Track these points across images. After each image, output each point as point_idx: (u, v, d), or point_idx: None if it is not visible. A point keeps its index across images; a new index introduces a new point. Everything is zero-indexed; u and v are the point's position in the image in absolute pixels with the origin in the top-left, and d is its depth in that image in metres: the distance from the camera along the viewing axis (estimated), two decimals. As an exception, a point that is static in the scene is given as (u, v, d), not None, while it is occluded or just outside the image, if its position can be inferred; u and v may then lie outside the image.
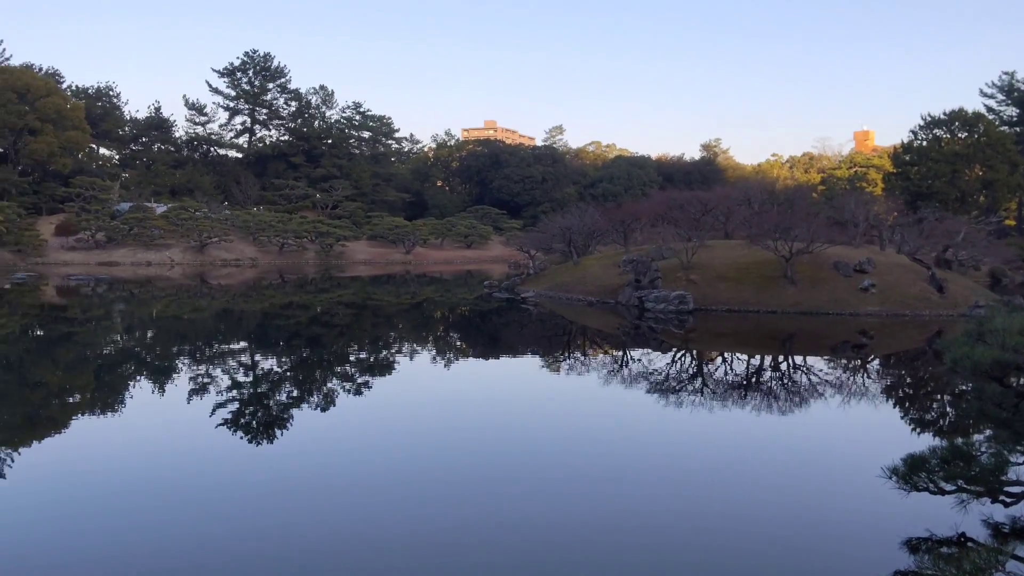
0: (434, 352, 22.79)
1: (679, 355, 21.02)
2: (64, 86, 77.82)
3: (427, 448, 11.67)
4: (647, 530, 8.34)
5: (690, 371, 18.78)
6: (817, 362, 20.37)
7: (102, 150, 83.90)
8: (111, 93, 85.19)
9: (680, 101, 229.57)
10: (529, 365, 20.72)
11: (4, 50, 77.53)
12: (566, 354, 21.90)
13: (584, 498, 9.34)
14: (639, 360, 19.85)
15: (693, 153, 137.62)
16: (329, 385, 17.08)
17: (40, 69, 76.04)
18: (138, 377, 18.13)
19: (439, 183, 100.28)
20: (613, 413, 14.34)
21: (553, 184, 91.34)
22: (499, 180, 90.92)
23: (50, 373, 18.52)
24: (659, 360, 19.97)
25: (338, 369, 19.35)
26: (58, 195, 67.04)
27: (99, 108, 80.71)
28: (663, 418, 13.69)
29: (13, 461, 10.88)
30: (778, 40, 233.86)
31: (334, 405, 14.79)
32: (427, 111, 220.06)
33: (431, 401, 15.46)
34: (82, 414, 14.40)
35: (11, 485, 9.78)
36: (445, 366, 20.15)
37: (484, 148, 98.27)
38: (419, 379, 18.03)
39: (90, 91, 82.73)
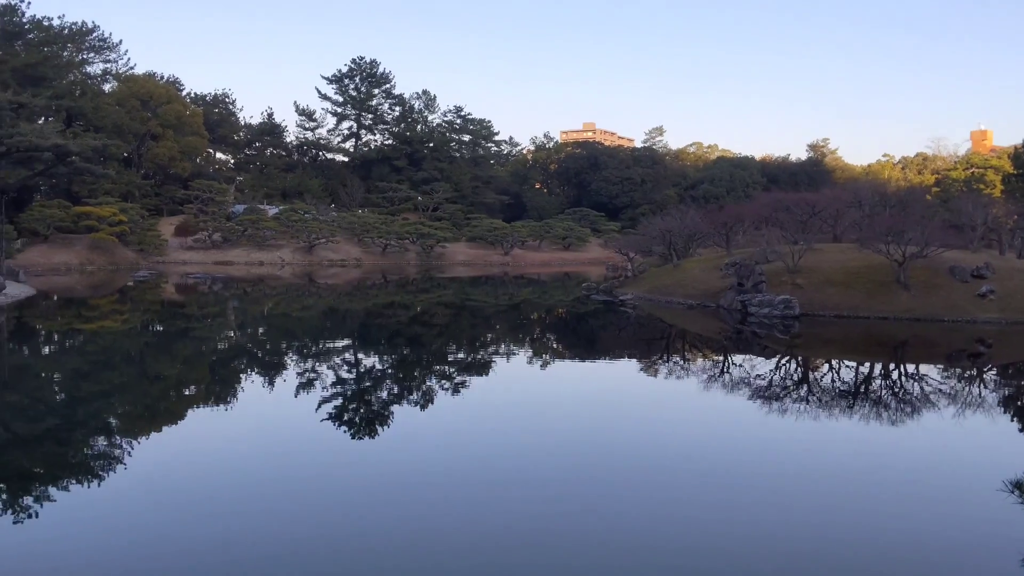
0: (530, 353, 22.89)
1: (784, 361, 20.43)
2: (183, 93, 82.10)
3: (515, 448, 11.73)
4: (748, 540, 8.14)
5: (795, 378, 18.22)
6: (931, 371, 19.42)
7: (218, 154, 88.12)
8: (227, 100, 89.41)
9: (786, 100, 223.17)
10: (626, 369, 20.55)
11: (129, 59, 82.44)
12: (664, 358, 21.61)
13: (676, 504, 9.20)
14: (741, 365, 19.40)
15: (799, 153, 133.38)
16: (428, 384, 17.39)
17: (161, 77, 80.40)
18: (250, 372, 18.94)
19: (537, 185, 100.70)
20: (712, 419, 14.06)
21: (652, 186, 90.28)
22: (597, 182, 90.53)
23: (168, 367, 19.57)
24: (762, 366, 19.46)
25: (436, 368, 19.68)
26: (178, 197, 70.74)
27: (216, 114, 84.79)
28: (765, 426, 13.32)
29: (132, 450, 11.54)
30: (890, 36, 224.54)
31: (432, 403, 15.06)
32: (526, 114, 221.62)
33: (526, 402, 15.54)
34: (197, 406, 15.15)
35: (131, 472, 10.39)
36: (541, 368, 20.21)
37: (582, 150, 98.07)
38: (515, 380, 18.13)
39: (208, 98, 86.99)
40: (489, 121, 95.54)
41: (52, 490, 9.41)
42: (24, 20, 67.10)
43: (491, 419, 13.87)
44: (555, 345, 25.29)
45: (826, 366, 20.08)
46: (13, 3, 66.37)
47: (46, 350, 22.46)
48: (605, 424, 13.51)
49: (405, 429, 12.91)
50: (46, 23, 68.46)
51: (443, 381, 17.59)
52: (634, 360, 21.87)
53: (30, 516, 8.51)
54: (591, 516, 8.69)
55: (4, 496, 9.24)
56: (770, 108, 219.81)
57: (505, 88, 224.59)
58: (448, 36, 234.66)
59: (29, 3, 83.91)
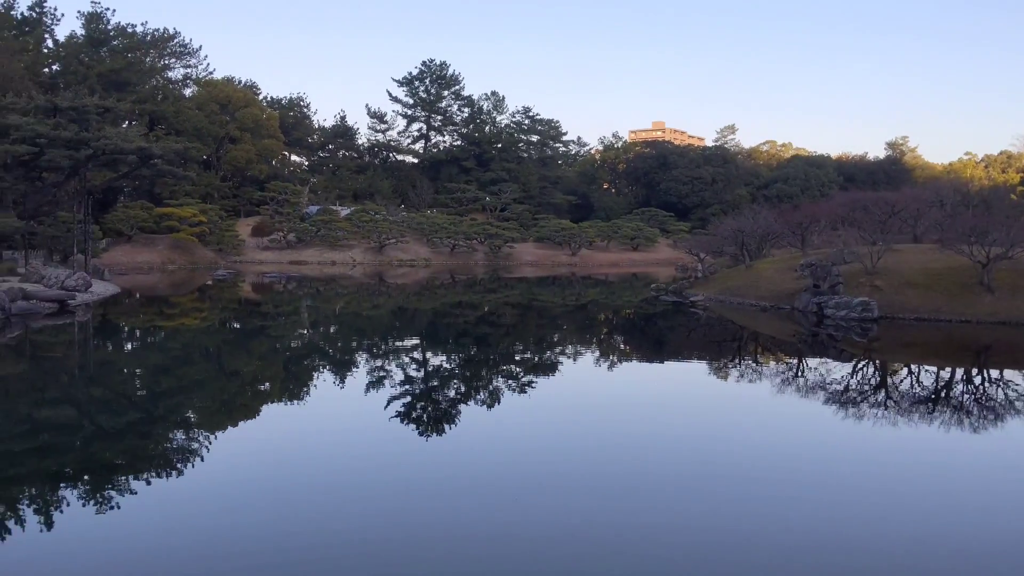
0: (597, 354, 22.73)
1: (861, 365, 19.81)
2: (260, 97, 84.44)
3: (579, 451, 11.64)
4: (819, 550, 7.90)
5: (872, 382, 17.65)
6: (1016, 376, 18.56)
7: (293, 157, 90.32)
8: (302, 104, 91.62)
9: (863, 97, 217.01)
10: (696, 371, 20.22)
11: (208, 64, 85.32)
12: (736, 360, 21.20)
13: (750, 517, 8.98)
14: (815, 369, 18.89)
15: (877, 152, 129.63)
16: (494, 383, 17.43)
17: (239, 82, 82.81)
18: (321, 369, 19.31)
19: (605, 185, 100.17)
20: (783, 425, 13.71)
21: (723, 185, 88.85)
22: (667, 182, 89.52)
23: (244, 363, 20.10)
24: (838, 370, 18.91)
25: (502, 368, 19.72)
26: (254, 199, 72.83)
27: (291, 118, 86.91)
28: (840, 432, 12.93)
29: (210, 444, 11.87)
30: (972, 30, 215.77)
31: (498, 403, 15.08)
32: (594, 114, 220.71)
33: (591, 404, 15.42)
34: (271, 402, 15.51)
35: (207, 466, 10.68)
36: (608, 368, 20.05)
37: (651, 149, 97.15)
38: (581, 381, 18.03)
39: (283, 102, 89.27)
40: (557, 121, 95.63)
41: (133, 482, 9.75)
42: (109, 27, 70.03)
43: (555, 421, 13.80)
44: (623, 346, 25.07)
45: (905, 370, 19.40)
46: (99, 11, 69.33)
47: (129, 346, 23.33)
48: (672, 427, 13.30)
49: (471, 428, 12.96)
50: (130, 30, 71.29)
51: (509, 381, 17.61)
52: (704, 362, 21.51)
53: (112, 507, 8.82)
54: (655, 521, 8.57)
55: (87, 487, 9.61)
56: (846, 105, 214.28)
57: (574, 88, 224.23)
58: (518, 36, 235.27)
59: (114, 11, 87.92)
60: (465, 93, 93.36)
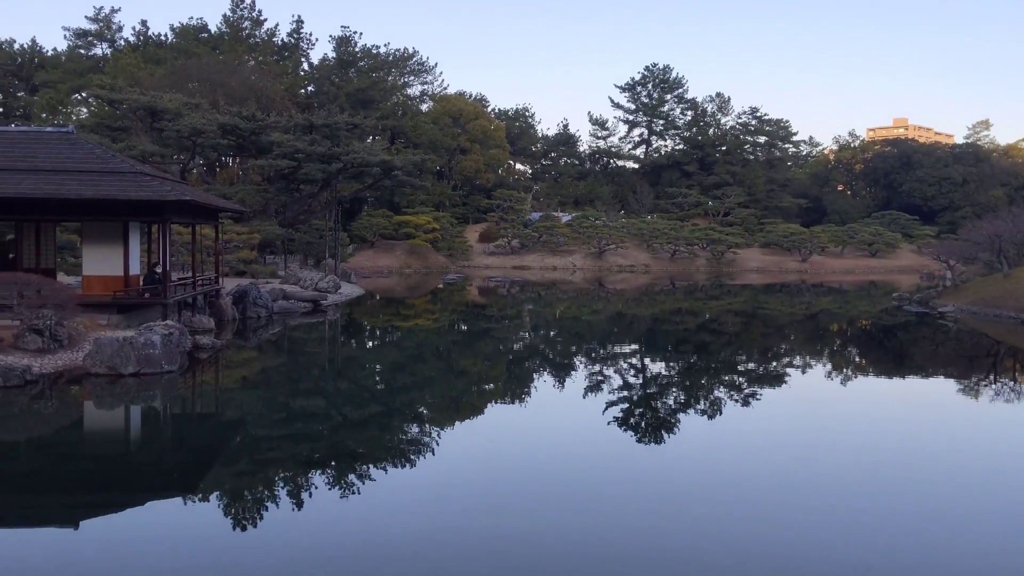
0: (829, 367, 21.44)
1: None
2: (488, 109, 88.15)
3: (789, 471, 11.08)
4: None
5: None
6: None
7: (517, 165, 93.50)
8: (527, 114, 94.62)
9: None
10: (942, 390, 18.50)
11: (443, 80, 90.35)
12: (991, 378, 19.15)
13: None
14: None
15: None
16: (715, 394, 17.00)
17: (470, 96, 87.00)
18: (542, 371, 19.85)
19: (840, 187, 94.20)
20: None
21: (976, 186, 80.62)
22: (910, 183, 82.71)
23: (471, 363, 21.12)
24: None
25: (724, 378, 19.17)
26: (481, 206, 76.33)
27: (516, 128, 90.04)
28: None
29: (439, 438, 12.63)
30: None
31: (720, 413, 14.71)
32: (828, 112, 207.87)
33: (820, 417, 14.61)
34: (494, 402, 16.20)
35: (436, 459, 11.38)
36: (842, 383, 18.85)
37: (893, 148, 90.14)
38: (809, 395, 17.10)
39: (509, 113, 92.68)
40: (787, 121, 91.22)
41: (372, 470, 10.61)
42: (357, 49, 76.39)
43: (775, 436, 13.24)
44: (858, 359, 23.48)
45: None
46: (348, 34, 75.91)
47: (370, 344, 25.31)
48: (920, 447, 12.31)
49: (687, 442, 12.79)
50: (374, 51, 77.24)
51: (729, 392, 17.11)
52: (953, 380, 19.60)
53: (353, 492, 9.67)
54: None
55: (332, 473, 10.59)
56: None
57: (806, 85, 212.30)
58: (746, 34, 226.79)
59: (361, 34, 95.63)
60: (688, 96, 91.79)
